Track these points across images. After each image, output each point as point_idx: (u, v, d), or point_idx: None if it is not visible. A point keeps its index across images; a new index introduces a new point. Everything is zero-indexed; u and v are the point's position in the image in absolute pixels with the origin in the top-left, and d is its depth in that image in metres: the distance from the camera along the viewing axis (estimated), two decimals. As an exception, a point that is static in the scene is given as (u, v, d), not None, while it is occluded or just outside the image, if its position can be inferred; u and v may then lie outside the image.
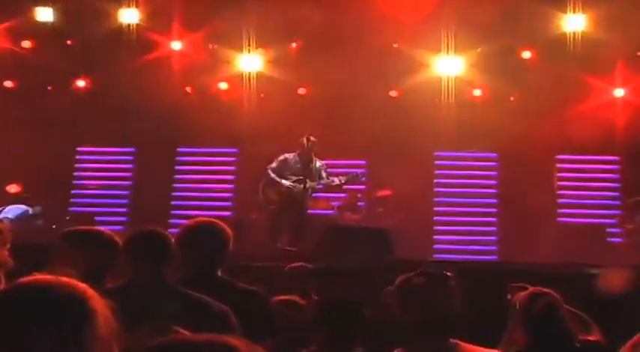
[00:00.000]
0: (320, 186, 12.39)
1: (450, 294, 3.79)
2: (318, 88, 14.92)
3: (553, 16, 13.76)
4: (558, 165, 15.48)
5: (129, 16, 14.02)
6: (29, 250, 4.70)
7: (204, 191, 15.72)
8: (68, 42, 14.74)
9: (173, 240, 4.45)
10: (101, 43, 14.25)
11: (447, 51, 14.10)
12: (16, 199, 13.40)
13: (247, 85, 14.65)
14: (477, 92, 15.13)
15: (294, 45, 14.77)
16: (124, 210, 15.70)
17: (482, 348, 3.89)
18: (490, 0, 13.57)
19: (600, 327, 5.41)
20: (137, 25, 14.04)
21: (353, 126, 14.22)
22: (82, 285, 2.07)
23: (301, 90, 15.25)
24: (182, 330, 2.68)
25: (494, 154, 15.52)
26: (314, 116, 14.05)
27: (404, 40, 14.22)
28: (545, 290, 5.12)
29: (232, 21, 13.96)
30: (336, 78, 14.21)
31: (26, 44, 14.68)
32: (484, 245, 15.06)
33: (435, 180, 15.61)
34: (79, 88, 15.42)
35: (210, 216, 5.20)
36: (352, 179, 12.61)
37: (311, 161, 12.23)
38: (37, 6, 14.09)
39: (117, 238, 4.51)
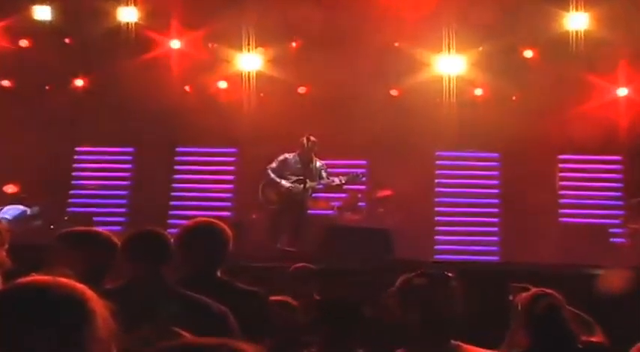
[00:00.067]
0: (320, 186, 12.40)
1: (450, 295, 3.78)
2: (319, 88, 14.87)
3: (555, 14, 13.69)
4: (560, 165, 15.45)
5: (128, 15, 13.95)
6: (27, 251, 4.67)
7: (204, 191, 15.70)
8: (66, 41, 14.68)
9: (172, 240, 4.44)
10: (100, 42, 14.19)
11: (449, 50, 14.05)
12: (13, 199, 13.41)
13: (247, 84, 14.60)
14: (479, 91, 15.10)
15: (294, 44, 14.73)
16: (122, 210, 15.66)
17: (483, 349, 3.87)
18: (491, -2, 13.54)
19: (603, 328, 5.40)
20: (136, 23, 13.97)
21: (353, 125, 14.19)
22: (81, 286, 2.08)
23: (301, 90, 15.22)
24: (181, 331, 2.76)
25: (496, 154, 15.50)
26: (314, 116, 14.00)
27: (405, 38, 14.17)
28: (548, 290, 5.12)
29: (232, 20, 13.92)
30: (336, 77, 14.18)
31: (24, 43, 14.62)
32: (485, 245, 15.05)
33: (436, 180, 15.58)
34: (77, 87, 15.37)
35: (209, 217, 5.18)
36: (352, 179, 12.59)
37: (311, 161, 12.23)
38: (34, 4, 14.03)
39: (115, 239, 4.49)
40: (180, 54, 14.64)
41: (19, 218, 12.79)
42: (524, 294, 5.13)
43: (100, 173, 15.97)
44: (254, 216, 13.53)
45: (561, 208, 15.13)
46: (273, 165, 12.30)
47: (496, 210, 15.32)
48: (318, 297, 6.31)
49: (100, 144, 15.72)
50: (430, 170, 15.42)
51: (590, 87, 14.42)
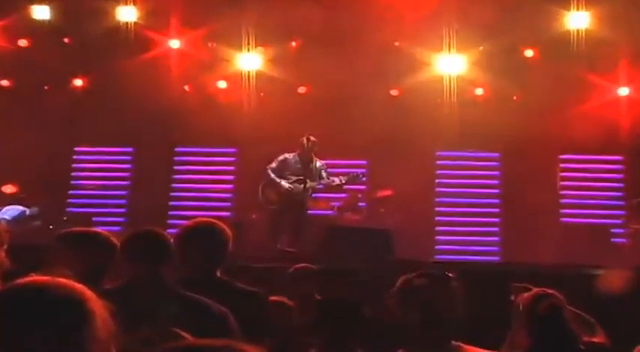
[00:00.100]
0: (320, 186, 12.38)
1: (451, 295, 3.77)
2: (319, 87, 14.84)
3: (556, 13, 13.64)
4: (561, 165, 15.43)
5: (127, 14, 13.89)
6: (26, 251, 4.72)
7: (203, 191, 15.67)
8: (65, 40, 14.64)
9: (172, 240, 4.42)
10: (99, 42, 14.15)
11: (449, 49, 14.00)
12: (12, 200, 13.38)
13: (247, 84, 14.55)
14: (479, 91, 15.06)
15: (294, 43, 14.69)
16: (121, 210, 15.62)
17: (484, 350, 3.86)
18: (492, -2, 13.50)
19: (604, 328, 5.41)
20: (135, 23, 13.91)
21: (353, 125, 14.15)
22: (80, 286, 2.07)
23: (301, 90, 15.19)
24: (181, 332, 2.77)
25: (497, 154, 15.48)
26: (314, 115, 13.98)
27: (405, 38, 14.13)
28: (549, 291, 5.12)
29: (232, 19, 13.88)
30: (336, 77, 14.14)
31: (22, 43, 14.56)
32: (486, 245, 15.04)
33: (437, 180, 15.57)
34: (76, 87, 15.35)
35: (209, 217, 5.16)
36: (353, 179, 12.57)
37: (311, 161, 12.21)
38: (33, 4, 13.98)
39: (114, 239, 4.49)
40: (180, 53, 14.60)
41: (18, 218, 12.80)
42: (525, 294, 5.13)
43: (99, 173, 15.95)
44: (254, 217, 13.51)
45: (562, 208, 15.11)
46: (273, 165, 12.28)
47: (497, 210, 15.31)
48: (318, 297, 6.30)
49: (99, 144, 15.71)
50: (430, 170, 15.40)
51: (591, 86, 14.38)
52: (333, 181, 12.35)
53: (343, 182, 12.40)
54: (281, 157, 12.32)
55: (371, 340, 4.46)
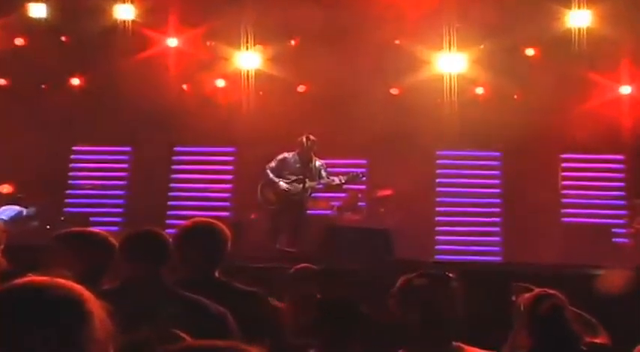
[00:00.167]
0: (320, 186, 12.34)
1: (451, 295, 3.78)
2: (318, 86, 14.82)
3: (557, 12, 13.58)
4: (562, 164, 15.42)
5: (124, 12, 13.84)
6: (24, 251, 4.73)
7: (202, 191, 15.64)
8: (62, 39, 14.61)
9: (170, 240, 4.41)
10: (96, 40, 14.11)
11: (450, 48, 13.96)
12: (9, 200, 13.33)
13: (245, 82, 14.52)
14: (480, 90, 15.05)
15: (293, 42, 14.65)
16: (119, 210, 15.61)
17: (485, 351, 3.86)
18: (493, -4, 13.45)
19: (606, 329, 5.42)
20: (133, 21, 13.87)
21: (353, 124, 14.13)
22: (78, 287, 2.08)
23: (301, 88, 15.18)
24: (180, 332, 2.78)
25: (497, 153, 15.47)
26: (314, 114, 13.97)
27: (405, 36, 14.12)
28: (551, 291, 5.12)
29: (230, 17, 13.85)
30: (336, 75, 14.13)
31: (19, 41, 14.52)
32: (487, 245, 15.03)
33: (437, 180, 15.56)
34: (73, 86, 15.34)
35: (208, 217, 5.16)
36: (353, 178, 12.50)
37: (310, 160, 12.17)
38: (30, 2, 13.92)
39: (113, 239, 4.48)
40: (178, 52, 14.55)
41: (16, 219, 12.78)
42: (526, 295, 5.14)
43: (97, 172, 15.91)
44: (253, 216, 13.54)
45: (563, 208, 15.10)
46: (272, 164, 12.23)
47: (497, 209, 15.30)
48: (319, 297, 6.27)
49: (97, 143, 15.71)
50: (431, 169, 15.38)
51: (592, 85, 14.35)
52: (333, 181, 12.29)
53: (343, 181, 12.33)
54: (280, 156, 12.27)
55: (371, 340, 4.45)
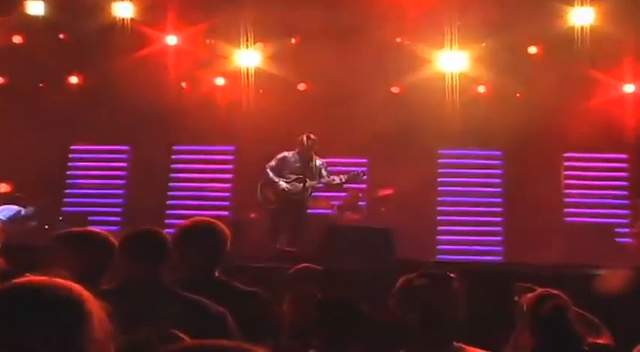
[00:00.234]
0: (320, 185, 12.34)
1: (452, 296, 3.80)
2: (319, 85, 14.79)
3: (560, 10, 13.53)
4: (565, 163, 15.38)
5: (123, 10, 13.79)
6: (22, 251, 4.77)
7: (201, 190, 15.59)
8: (60, 37, 14.59)
9: (170, 240, 4.43)
10: (95, 38, 14.06)
11: (451, 46, 13.91)
12: (7, 199, 13.33)
13: (245, 81, 14.48)
14: (482, 88, 14.99)
15: (293, 40, 14.61)
16: (118, 209, 15.58)
17: (486, 351, 3.89)
18: (495, -6, 13.43)
19: (609, 329, 5.42)
20: (132, 19, 13.82)
21: (354, 123, 14.11)
22: (77, 287, 2.09)
23: (301, 87, 15.16)
24: (180, 332, 2.78)
25: (499, 152, 15.43)
26: (314, 113, 13.98)
27: (407, 34, 14.11)
28: (554, 291, 5.13)
29: (230, 15, 13.82)
30: (336, 74, 14.10)
31: (17, 39, 14.50)
32: (488, 245, 15.00)
33: (439, 179, 15.52)
34: (72, 85, 15.30)
35: (207, 216, 5.17)
36: (353, 178, 12.45)
37: (311, 159, 12.16)
38: (28, -1, 13.89)
39: (112, 239, 4.50)
40: (177, 50, 14.48)
41: (14, 218, 12.77)
42: (529, 295, 5.14)
43: (95, 171, 15.87)
44: (253, 216, 13.53)
45: (566, 207, 15.06)
46: (272, 163, 12.21)
47: (499, 209, 15.26)
48: (319, 297, 6.23)
49: (96, 142, 15.68)
50: (432, 168, 15.32)
51: (595, 83, 14.29)
52: (333, 180, 12.25)
53: (343, 181, 12.29)
54: (280, 155, 12.24)
55: (371, 340, 4.43)
